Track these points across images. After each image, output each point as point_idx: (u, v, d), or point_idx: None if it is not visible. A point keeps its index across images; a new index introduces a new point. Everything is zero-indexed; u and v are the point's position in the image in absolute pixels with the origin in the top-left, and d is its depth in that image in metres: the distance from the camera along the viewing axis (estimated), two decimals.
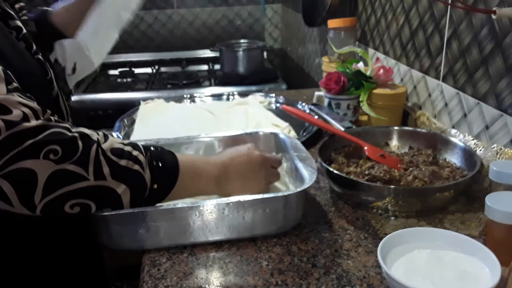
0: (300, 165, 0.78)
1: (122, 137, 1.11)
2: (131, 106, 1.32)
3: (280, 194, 0.71)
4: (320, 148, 0.91)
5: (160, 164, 0.66)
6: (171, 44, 2.65)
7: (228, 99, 1.44)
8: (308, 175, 0.74)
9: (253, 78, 2.16)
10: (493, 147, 0.82)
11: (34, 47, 0.73)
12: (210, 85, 2.21)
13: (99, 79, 2.36)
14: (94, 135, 0.62)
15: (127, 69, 2.44)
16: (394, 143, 0.99)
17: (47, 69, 0.74)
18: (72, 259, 0.81)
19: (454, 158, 0.90)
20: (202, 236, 0.70)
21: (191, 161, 0.72)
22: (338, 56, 1.36)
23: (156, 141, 0.90)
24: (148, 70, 2.48)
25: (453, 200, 0.80)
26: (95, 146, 0.61)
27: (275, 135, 0.92)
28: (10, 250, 0.69)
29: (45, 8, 0.96)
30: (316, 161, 0.80)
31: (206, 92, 1.92)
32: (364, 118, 1.18)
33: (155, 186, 0.65)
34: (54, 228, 0.75)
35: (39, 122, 0.57)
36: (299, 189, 0.71)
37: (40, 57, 0.73)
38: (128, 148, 0.65)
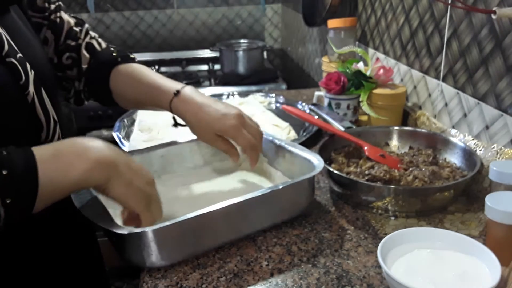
0: (295, 151, 0.82)
1: (122, 137, 1.10)
2: None
3: (306, 176, 0.73)
4: (320, 148, 0.91)
5: (5, 172, 0.54)
6: (171, 44, 2.65)
7: (228, 99, 1.44)
8: (314, 157, 0.78)
9: (253, 78, 2.16)
10: (493, 147, 0.82)
11: (6, 48, 0.64)
12: (210, 85, 2.21)
13: None
14: None
15: None
16: (394, 143, 0.99)
17: (21, 73, 0.65)
18: (73, 260, 0.80)
19: (454, 158, 0.90)
20: (230, 234, 0.71)
21: (52, 149, 0.60)
22: (338, 56, 1.36)
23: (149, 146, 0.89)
24: None
25: (453, 200, 0.80)
26: None
27: None
28: (9, 251, 0.69)
29: (128, 55, 0.89)
30: None
31: (206, 92, 1.91)
32: (364, 118, 1.18)
33: (8, 200, 0.54)
34: (53, 229, 0.75)
35: None
36: (317, 170, 0.74)
37: (14, 60, 0.65)
38: None
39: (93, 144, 0.62)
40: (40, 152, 0.58)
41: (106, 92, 0.87)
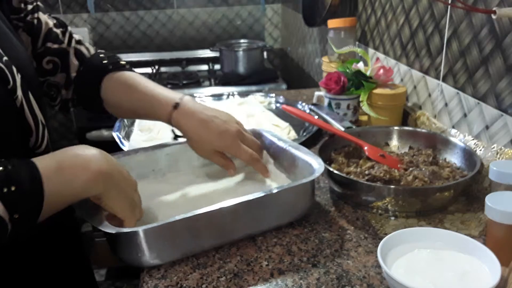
0: (298, 154, 0.81)
1: (122, 137, 1.10)
2: None
3: (303, 181, 0.73)
4: (320, 148, 0.91)
5: (13, 188, 0.54)
6: (171, 44, 2.65)
7: (228, 99, 1.44)
8: (316, 160, 0.77)
9: (253, 78, 2.16)
10: (493, 147, 0.82)
11: None
12: (210, 85, 2.21)
13: None
14: None
15: None
16: (394, 143, 0.99)
17: (9, 77, 0.63)
18: (57, 261, 0.78)
19: (454, 158, 0.90)
20: (233, 234, 0.71)
21: (55, 162, 0.60)
22: (338, 56, 1.36)
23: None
24: (148, 70, 2.47)
25: (453, 200, 0.80)
26: None
27: (259, 134, 0.92)
28: None
29: (119, 61, 0.87)
30: None
31: (206, 92, 1.92)
32: (364, 118, 1.18)
33: (16, 216, 0.54)
34: (38, 231, 0.73)
35: None
36: (316, 175, 0.73)
37: (0, 64, 0.62)
38: None
39: (91, 154, 0.62)
40: (43, 164, 0.58)
41: (97, 101, 0.86)
